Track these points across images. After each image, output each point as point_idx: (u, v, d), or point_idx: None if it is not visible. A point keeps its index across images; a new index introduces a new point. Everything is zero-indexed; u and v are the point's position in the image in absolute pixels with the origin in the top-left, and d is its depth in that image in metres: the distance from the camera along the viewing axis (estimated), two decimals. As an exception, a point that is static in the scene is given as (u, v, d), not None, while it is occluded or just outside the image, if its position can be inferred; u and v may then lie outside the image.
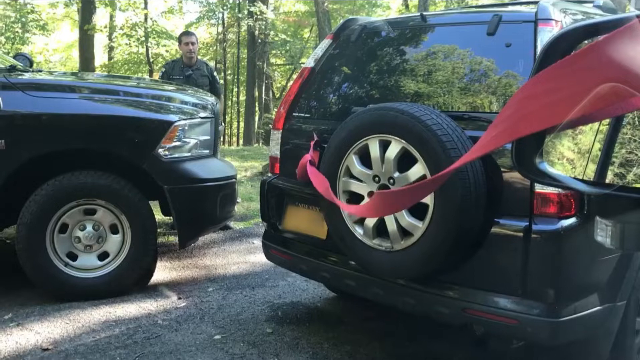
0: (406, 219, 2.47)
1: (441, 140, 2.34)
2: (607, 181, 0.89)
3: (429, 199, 2.38)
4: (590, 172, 0.92)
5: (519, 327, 2.34)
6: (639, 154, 0.99)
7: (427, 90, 2.80)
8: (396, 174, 2.49)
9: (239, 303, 3.79)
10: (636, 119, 1.07)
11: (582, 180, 0.92)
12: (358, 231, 2.65)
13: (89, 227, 3.78)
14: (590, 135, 0.96)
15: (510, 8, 3.03)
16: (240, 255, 4.96)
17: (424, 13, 3.06)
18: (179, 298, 3.86)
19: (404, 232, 2.49)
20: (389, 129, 2.49)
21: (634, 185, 0.88)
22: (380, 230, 2.58)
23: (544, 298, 2.30)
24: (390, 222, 2.52)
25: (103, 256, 3.83)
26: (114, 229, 3.82)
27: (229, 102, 26.64)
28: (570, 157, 1.01)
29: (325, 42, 3.38)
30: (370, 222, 2.59)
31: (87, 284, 3.76)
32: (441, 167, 2.32)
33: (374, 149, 2.55)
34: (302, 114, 3.28)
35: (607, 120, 1.03)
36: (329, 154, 2.75)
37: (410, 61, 3.00)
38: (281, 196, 3.23)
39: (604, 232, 0.87)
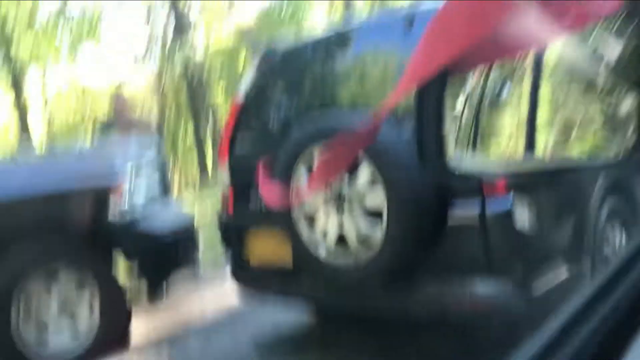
0: (363, 230, 2.47)
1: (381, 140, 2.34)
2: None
3: (380, 204, 2.39)
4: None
5: (495, 310, 2.36)
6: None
7: (362, 95, 2.82)
8: (348, 181, 2.49)
9: (223, 346, 3.72)
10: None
11: (493, 168, 0.94)
12: (320, 252, 2.63)
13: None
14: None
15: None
16: (216, 299, 4.87)
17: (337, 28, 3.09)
18: (162, 354, 3.77)
19: (364, 242, 2.49)
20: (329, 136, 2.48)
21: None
22: (342, 245, 2.57)
23: (513, 277, 2.33)
24: (350, 234, 2.52)
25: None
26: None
27: (181, 149, 26.35)
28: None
29: (250, 75, 3.38)
30: (331, 239, 2.58)
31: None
32: (388, 164, 2.35)
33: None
34: (245, 148, 3.27)
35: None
36: (278, 170, 2.72)
37: (338, 71, 3.03)
38: (240, 233, 3.19)
39: (521, 214, 0.89)
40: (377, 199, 2.42)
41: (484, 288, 2.40)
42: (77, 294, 3.68)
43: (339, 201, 2.53)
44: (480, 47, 1.15)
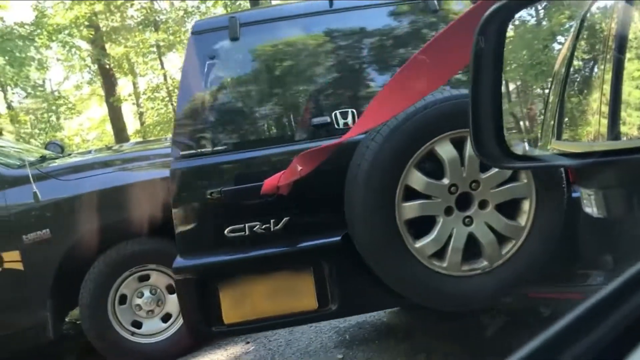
0: (504, 221, 2.14)
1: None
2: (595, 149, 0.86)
3: (527, 192, 2.13)
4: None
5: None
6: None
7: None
8: (482, 175, 2.09)
9: (306, 335, 3.77)
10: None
11: (565, 155, 0.88)
12: (438, 265, 2.17)
13: (147, 293, 3.85)
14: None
15: None
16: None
17: None
18: (247, 342, 3.88)
19: (501, 241, 2.18)
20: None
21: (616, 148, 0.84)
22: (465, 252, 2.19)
23: (603, 266, 2.21)
24: (483, 234, 2.13)
25: (166, 317, 3.89)
26: (170, 289, 3.87)
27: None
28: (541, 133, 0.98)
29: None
30: (457, 246, 2.15)
31: (157, 348, 3.82)
32: None
33: (448, 152, 2.09)
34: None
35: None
36: (373, 181, 2.11)
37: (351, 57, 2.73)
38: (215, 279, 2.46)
39: (589, 202, 0.84)
40: (521, 190, 2.15)
41: (570, 277, 2.30)
42: (166, 288, 3.87)
43: (468, 196, 2.15)
44: None
